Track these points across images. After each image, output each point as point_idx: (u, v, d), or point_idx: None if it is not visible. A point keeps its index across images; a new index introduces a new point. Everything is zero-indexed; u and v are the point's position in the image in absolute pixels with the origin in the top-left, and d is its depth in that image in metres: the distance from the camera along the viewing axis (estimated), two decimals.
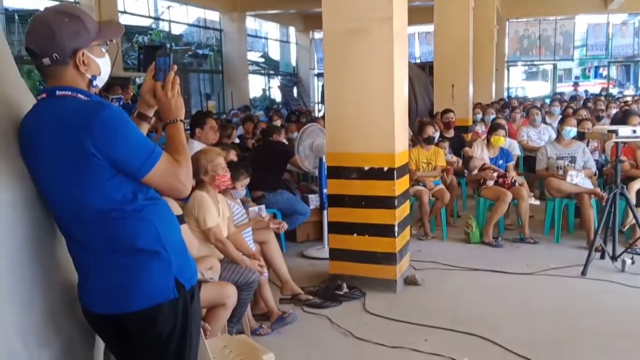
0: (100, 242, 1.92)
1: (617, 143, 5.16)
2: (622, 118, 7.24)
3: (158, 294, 1.96)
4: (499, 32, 16.30)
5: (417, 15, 16.78)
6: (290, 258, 5.94)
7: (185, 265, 2.06)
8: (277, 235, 5.11)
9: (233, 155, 4.66)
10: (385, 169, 4.94)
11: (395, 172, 4.92)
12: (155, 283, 1.95)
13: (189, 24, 19.25)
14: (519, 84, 26.39)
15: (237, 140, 8.62)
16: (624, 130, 5.04)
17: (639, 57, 20.05)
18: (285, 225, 4.78)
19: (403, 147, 5.19)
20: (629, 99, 15.20)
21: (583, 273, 5.20)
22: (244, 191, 4.68)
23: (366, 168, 5.00)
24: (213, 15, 18.53)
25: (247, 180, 4.60)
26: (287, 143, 7.36)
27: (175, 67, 2.13)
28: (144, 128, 2.20)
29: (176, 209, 3.43)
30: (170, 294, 1.97)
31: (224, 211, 4.00)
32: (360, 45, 4.91)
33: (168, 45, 16.36)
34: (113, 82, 8.58)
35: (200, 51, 18.54)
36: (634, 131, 5.08)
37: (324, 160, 5.82)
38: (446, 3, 10.05)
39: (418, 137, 7.34)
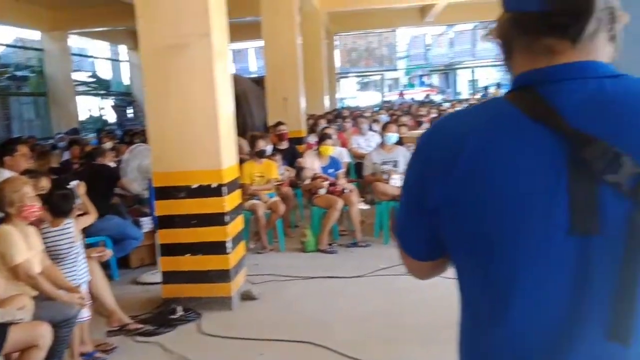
0: None
1: None
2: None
3: None
4: (328, 46, 16.94)
5: (250, 30, 17.03)
6: (123, 286, 5.66)
7: None
8: (104, 264, 4.84)
9: (45, 183, 4.34)
10: (214, 185, 4.88)
11: (224, 188, 4.88)
12: None
13: (6, 45, 17.86)
14: (352, 94, 27.60)
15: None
16: None
17: (455, 65, 21.77)
18: (109, 253, 4.53)
19: (231, 162, 5.15)
20: (447, 104, 16.47)
21: None
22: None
23: (194, 186, 4.90)
24: (34, 35, 17.31)
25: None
26: (115, 165, 7.02)
27: None
28: None
29: None
30: None
31: (35, 244, 3.70)
32: (180, 61, 4.82)
33: None
34: None
35: (19, 73, 17.22)
36: None
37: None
38: (272, 18, 10.20)
39: (251, 151, 7.37)
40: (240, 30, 19.38)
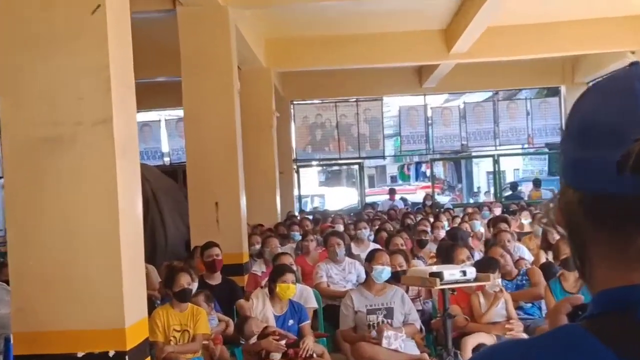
0: None
1: (443, 290, 5.56)
2: (448, 251, 7.89)
3: None
4: (281, 120, 17.07)
5: (162, 94, 17.18)
6: None
7: None
8: None
9: None
10: (112, 353, 4.79)
11: (126, 356, 4.78)
12: None
13: None
14: (316, 190, 27.81)
15: None
16: (450, 273, 5.47)
17: (470, 150, 22.19)
18: None
19: (139, 316, 5.13)
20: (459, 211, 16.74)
21: None
22: None
23: (80, 355, 4.80)
24: None
25: None
26: None
27: None
28: None
29: None
30: None
31: None
32: (62, 161, 4.85)
33: None
34: None
35: None
36: (464, 272, 5.54)
37: (11, 342, 5.48)
38: (199, 79, 10.16)
39: (167, 291, 7.26)
40: (147, 93, 19.33)
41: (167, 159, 21.47)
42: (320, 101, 21.28)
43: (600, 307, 1.01)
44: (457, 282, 5.50)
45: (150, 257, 10.78)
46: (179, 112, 19.99)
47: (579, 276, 1.08)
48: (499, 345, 1.13)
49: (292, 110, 20.68)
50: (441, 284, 5.41)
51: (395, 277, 7.22)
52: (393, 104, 22.91)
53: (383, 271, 7.01)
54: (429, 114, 21.24)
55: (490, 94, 23.02)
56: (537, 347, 1.03)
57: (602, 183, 0.96)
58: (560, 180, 1.06)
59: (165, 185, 13.39)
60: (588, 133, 1.01)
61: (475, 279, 5.64)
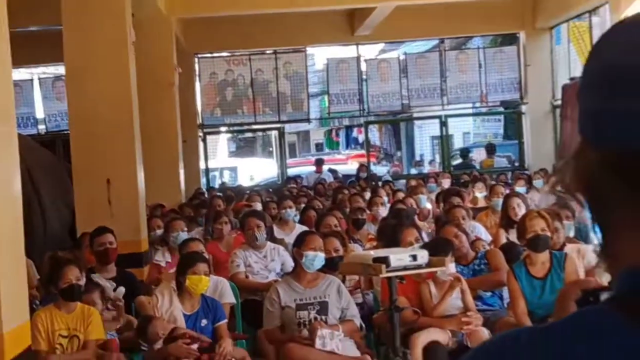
0: None
1: (389, 279, 5.57)
2: (393, 232, 7.90)
3: None
4: (183, 78, 16.92)
5: (37, 48, 16.84)
6: None
7: None
8: None
9: None
10: None
11: None
12: None
13: None
14: (226, 162, 27.72)
15: None
16: (398, 258, 5.48)
17: (411, 109, 22.29)
18: None
19: (20, 320, 5.14)
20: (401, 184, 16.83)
21: None
22: None
23: None
24: None
25: None
26: None
27: None
28: None
29: None
30: None
31: None
32: None
33: None
34: None
35: None
36: (414, 257, 5.55)
37: None
38: (83, 29, 10.17)
39: (50, 288, 7.18)
40: (15, 46, 18.79)
41: (42, 127, 21.28)
42: (231, 54, 21.21)
43: (628, 285, 0.99)
44: (406, 268, 5.53)
45: (26, 248, 10.55)
46: (58, 69, 19.75)
47: (599, 252, 1.06)
48: (505, 335, 1.11)
49: (196, 66, 20.59)
50: (387, 271, 5.42)
51: (330, 265, 7.25)
52: (319, 56, 22.90)
53: (315, 258, 7.02)
54: (363, 67, 21.25)
55: (435, 42, 23.14)
56: (556, 335, 1.02)
57: (632, 138, 0.95)
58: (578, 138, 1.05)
59: (42, 160, 13.16)
60: (614, 80, 0.99)
61: (428, 264, 5.67)
